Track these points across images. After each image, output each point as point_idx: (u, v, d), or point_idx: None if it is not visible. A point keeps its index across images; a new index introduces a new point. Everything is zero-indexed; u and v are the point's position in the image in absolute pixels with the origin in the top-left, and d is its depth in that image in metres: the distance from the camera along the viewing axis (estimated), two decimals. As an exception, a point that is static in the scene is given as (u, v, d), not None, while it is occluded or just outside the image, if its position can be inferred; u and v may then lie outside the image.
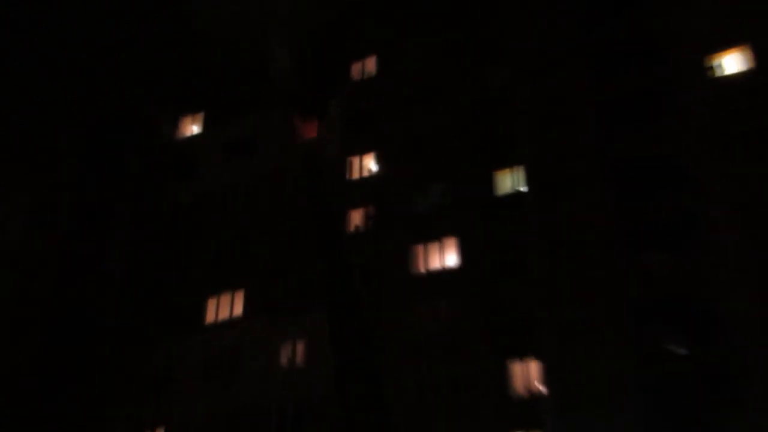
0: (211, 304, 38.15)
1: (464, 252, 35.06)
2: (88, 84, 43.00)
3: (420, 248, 36.23)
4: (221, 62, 43.99)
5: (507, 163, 35.84)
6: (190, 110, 44.97)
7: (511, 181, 35.81)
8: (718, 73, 33.62)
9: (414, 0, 42.36)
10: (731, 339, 28.53)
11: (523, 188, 35.05)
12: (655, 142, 33.36)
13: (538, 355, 31.85)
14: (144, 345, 37.66)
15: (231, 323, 37.16)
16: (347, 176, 40.03)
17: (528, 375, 32.44)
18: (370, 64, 42.09)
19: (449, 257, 35.39)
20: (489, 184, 36.04)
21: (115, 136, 43.91)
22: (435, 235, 36.13)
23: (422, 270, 35.81)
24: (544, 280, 32.85)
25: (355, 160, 40.36)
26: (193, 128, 45.06)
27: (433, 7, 41.23)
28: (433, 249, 36.11)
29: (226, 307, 37.66)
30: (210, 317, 37.66)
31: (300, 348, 35.33)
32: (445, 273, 35.20)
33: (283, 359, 35.32)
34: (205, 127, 44.48)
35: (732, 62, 33.72)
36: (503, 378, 32.03)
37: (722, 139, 31.95)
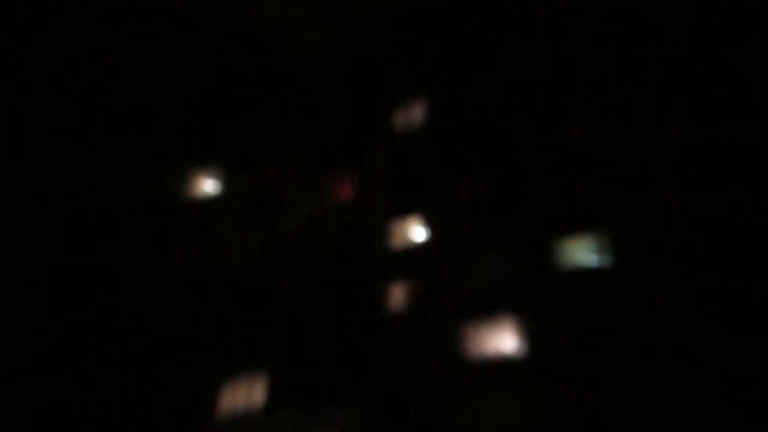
0: (226, 391, 33.53)
1: (526, 334, 30.48)
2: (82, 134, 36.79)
3: (473, 330, 31.55)
4: (247, 105, 39.99)
5: (579, 228, 31.31)
6: (205, 161, 40.37)
7: (582, 252, 31.00)
8: None
9: (477, 32, 37.78)
10: None
11: (598, 260, 30.43)
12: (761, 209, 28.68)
13: None
14: None
15: (248, 416, 32.53)
16: (388, 244, 35.42)
17: None
18: (418, 111, 37.78)
19: (508, 340, 30.79)
20: (556, 254, 31.51)
21: (117, 193, 39.75)
22: (491, 314, 31.39)
23: (475, 356, 31.17)
24: (623, 370, 28.19)
25: (398, 225, 35.66)
26: (208, 184, 40.38)
27: (500, 41, 37.35)
28: (489, 331, 31.15)
29: (243, 394, 33.07)
30: (223, 407, 33.16)
31: None
32: (504, 360, 30.62)
33: None
34: (222, 182, 40.21)
35: None
36: None
37: None
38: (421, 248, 33.96)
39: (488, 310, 31.03)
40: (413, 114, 37.50)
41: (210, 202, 39.51)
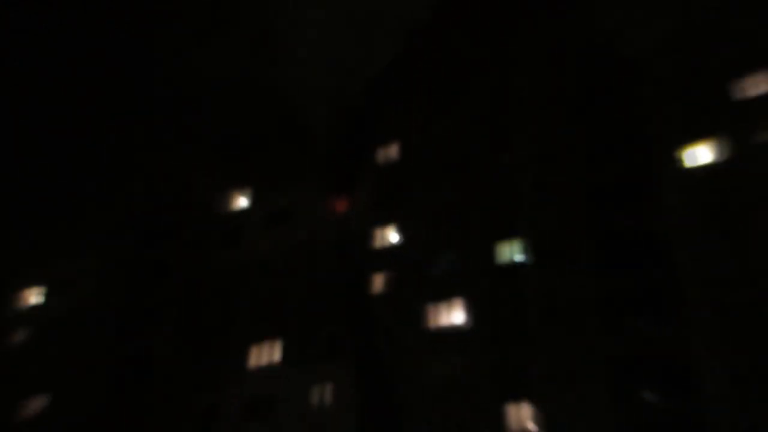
0: (253, 352, 41.77)
1: (470, 312, 37.97)
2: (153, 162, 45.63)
3: (433, 308, 39.06)
4: (269, 139, 49.27)
5: (508, 235, 39.03)
6: (239, 185, 49.73)
7: (510, 252, 38.74)
8: (687, 164, 36.46)
9: (434, 92, 46.93)
10: (697, 393, 31.00)
11: (522, 258, 38.00)
12: (635, 219, 36.13)
13: (533, 401, 34.17)
14: (192, 387, 41.72)
15: (269, 369, 40.78)
16: (371, 245, 43.33)
17: (522, 417, 34.25)
18: (394, 150, 46.47)
19: (457, 316, 38.30)
20: (492, 253, 39.10)
21: (173, 209, 49.80)
22: (445, 296, 38.94)
23: (434, 326, 38.60)
24: (540, 337, 35.25)
25: (379, 232, 43.73)
26: (241, 201, 49.62)
27: (449, 98, 46.01)
28: (444, 309, 38.67)
29: (266, 355, 41.27)
30: (251, 364, 41.54)
31: (328, 391, 38.40)
32: (454, 329, 38.00)
33: (314, 401, 38.59)
34: (251, 199, 49.29)
35: (699, 154, 36.55)
36: (501, 419, 34.54)
37: (691, 220, 34.66)
38: (396, 248, 42.12)
39: (444, 294, 38.61)
40: (390, 152, 45.99)
41: (242, 214, 48.22)
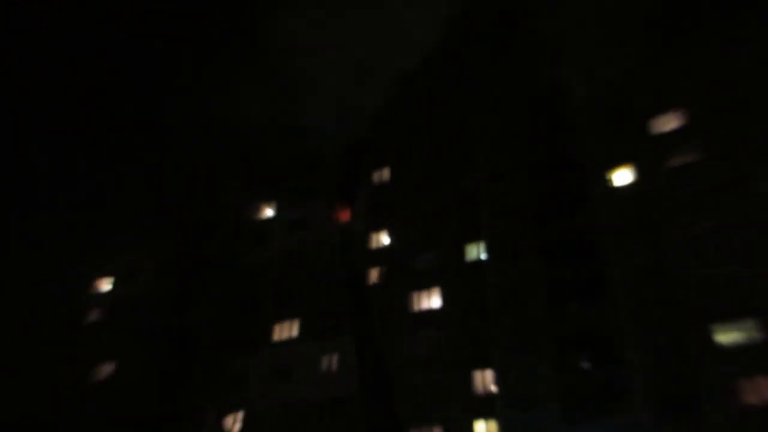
0: (276, 329, 47.85)
1: (445, 298, 43.40)
2: (200, 180, 55.67)
3: (415, 295, 44.50)
4: (289, 167, 56.52)
5: (474, 239, 44.92)
6: (266, 199, 57.23)
7: (477, 251, 44.54)
8: (614, 183, 42.04)
9: (418, 127, 53.57)
10: (619, 360, 35.68)
11: (485, 256, 43.57)
12: (573, 226, 41.69)
13: (493, 367, 38.73)
14: (228, 356, 47.59)
15: (289, 342, 46.69)
16: (368, 246, 49.10)
17: (486, 380, 39.03)
18: (386, 172, 52.98)
19: (435, 301, 43.85)
20: (463, 252, 44.87)
21: (214, 216, 56.93)
22: (426, 286, 44.42)
23: (416, 310, 43.90)
24: (498, 318, 40.38)
25: (374, 235, 49.48)
26: (267, 211, 56.75)
27: (430, 133, 52.78)
28: (425, 295, 44.18)
29: (286, 331, 47.36)
30: (275, 338, 47.62)
31: (335, 360, 43.83)
32: (432, 312, 43.37)
33: (323, 368, 44.05)
34: (275, 210, 56.49)
35: (623, 176, 42.19)
36: (469, 382, 39.33)
37: (616, 227, 39.79)
38: (387, 248, 48.15)
39: (425, 284, 44.31)
40: (383, 174, 52.66)
41: (268, 221, 55.08)
